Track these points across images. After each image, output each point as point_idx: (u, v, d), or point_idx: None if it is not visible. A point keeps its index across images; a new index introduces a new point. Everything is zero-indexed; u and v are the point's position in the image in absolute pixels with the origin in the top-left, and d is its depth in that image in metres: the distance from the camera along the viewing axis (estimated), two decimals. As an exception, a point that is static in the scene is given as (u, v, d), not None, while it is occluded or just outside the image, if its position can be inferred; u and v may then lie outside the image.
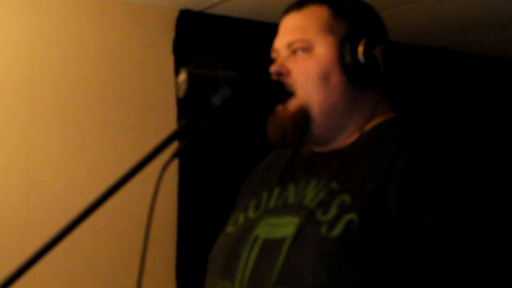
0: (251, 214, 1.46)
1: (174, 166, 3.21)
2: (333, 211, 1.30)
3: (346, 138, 1.42)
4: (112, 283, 3.08)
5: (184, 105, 3.19)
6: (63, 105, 3.05)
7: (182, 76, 1.34)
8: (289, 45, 1.42)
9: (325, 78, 1.39)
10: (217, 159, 3.30)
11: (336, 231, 1.27)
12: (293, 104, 1.40)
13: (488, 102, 4.15)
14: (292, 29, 1.43)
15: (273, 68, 1.43)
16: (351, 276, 1.24)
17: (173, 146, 1.20)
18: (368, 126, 1.42)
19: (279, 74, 1.41)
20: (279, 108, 1.43)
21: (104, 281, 3.08)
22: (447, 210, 1.26)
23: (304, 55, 1.41)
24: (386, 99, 1.47)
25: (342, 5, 1.43)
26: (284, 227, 1.35)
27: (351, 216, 1.28)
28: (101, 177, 3.01)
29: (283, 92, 1.41)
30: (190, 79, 1.32)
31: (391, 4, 3.24)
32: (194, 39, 3.31)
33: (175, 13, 3.29)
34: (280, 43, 1.44)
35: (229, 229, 1.48)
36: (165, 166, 1.17)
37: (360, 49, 1.38)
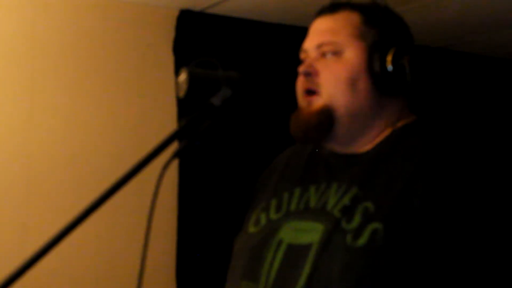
0: (272, 215, 1.46)
1: (174, 166, 3.21)
2: (357, 219, 1.31)
3: (368, 142, 1.44)
4: (112, 283, 3.08)
5: (184, 105, 3.18)
6: (63, 105, 3.05)
7: (183, 76, 1.33)
8: (319, 46, 1.44)
9: (352, 82, 1.41)
10: (217, 159, 3.30)
11: (361, 241, 1.28)
12: (317, 102, 1.42)
13: (488, 102, 4.15)
14: (324, 31, 1.45)
15: (301, 68, 1.44)
16: (377, 286, 1.25)
17: (173, 146, 1.20)
18: (389, 132, 1.43)
19: (307, 74, 1.43)
20: (304, 104, 1.44)
21: (104, 281, 3.07)
22: (473, 217, 1.27)
23: (333, 58, 1.43)
24: (406, 103, 1.48)
25: (373, 13, 1.47)
26: (308, 232, 1.35)
27: (376, 225, 1.28)
28: (101, 177, 3.01)
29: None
30: (191, 79, 1.32)
31: (391, 4, 3.23)
32: (194, 39, 3.31)
33: (175, 13, 3.29)
34: (310, 44, 1.46)
35: (251, 229, 1.48)
36: (165, 166, 1.17)
37: (389, 57, 1.41)
